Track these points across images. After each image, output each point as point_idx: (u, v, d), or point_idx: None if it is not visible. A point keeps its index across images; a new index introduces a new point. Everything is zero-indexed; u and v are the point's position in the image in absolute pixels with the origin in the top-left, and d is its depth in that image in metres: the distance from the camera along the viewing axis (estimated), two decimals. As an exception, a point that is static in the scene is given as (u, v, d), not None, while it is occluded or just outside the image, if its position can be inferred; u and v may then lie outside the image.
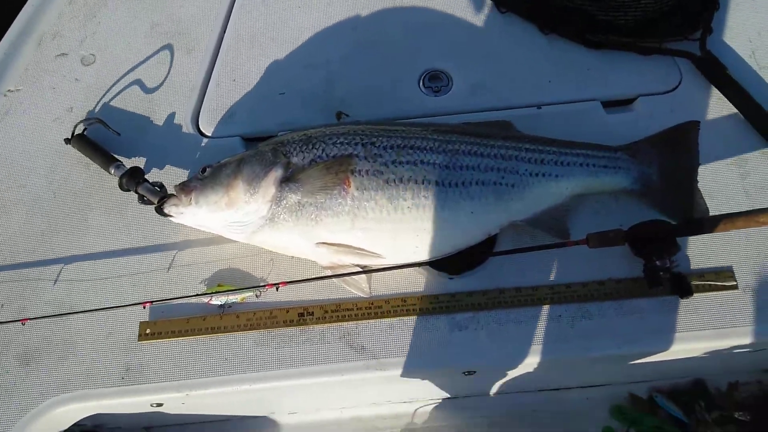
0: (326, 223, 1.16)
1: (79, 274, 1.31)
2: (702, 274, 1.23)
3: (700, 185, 1.29)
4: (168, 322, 1.24)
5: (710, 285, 1.22)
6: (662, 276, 1.18)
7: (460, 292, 1.23)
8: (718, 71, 1.41)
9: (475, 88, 1.46)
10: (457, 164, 1.20)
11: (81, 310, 1.23)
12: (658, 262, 1.16)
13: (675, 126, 1.36)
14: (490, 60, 1.50)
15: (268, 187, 1.17)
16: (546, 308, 1.22)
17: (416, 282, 1.25)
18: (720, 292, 1.21)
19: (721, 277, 1.23)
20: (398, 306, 1.23)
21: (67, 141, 1.41)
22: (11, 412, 1.19)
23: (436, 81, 1.48)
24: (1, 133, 1.49)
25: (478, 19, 1.56)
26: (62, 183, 1.41)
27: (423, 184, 1.17)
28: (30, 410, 1.19)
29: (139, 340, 1.23)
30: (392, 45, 1.54)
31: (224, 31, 1.59)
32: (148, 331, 1.24)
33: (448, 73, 1.49)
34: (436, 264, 1.23)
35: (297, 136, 1.24)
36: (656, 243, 1.18)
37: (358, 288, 1.23)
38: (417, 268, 1.23)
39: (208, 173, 1.24)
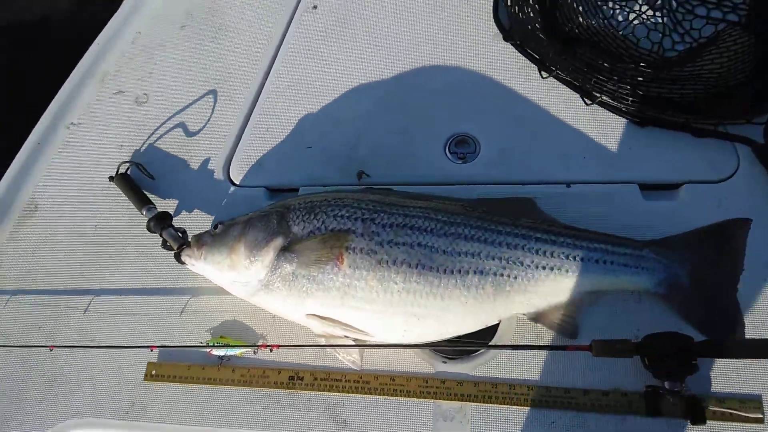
0: (317, 297, 1.16)
1: (107, 307, 1.41)
2: (723, 399, 1.10)
3: (740, 295, 1.15)
4: (172, 366, 1.30)
5: (731, 413, 1.09)
6: (669, 401, 1.07)
7: (451, 379, 1.19)
8: (781, 163, 1.24)
9: (503, 158, 1.39)
10: (456, 250, 1.15)
11: (99, 345, 1.33)
12: (666, 384, 1.06)
13: (721, 222, 1.23)
14: (523, 129, 1.42)
15: (268, 255, 1.19)
16: (539, 412, 1.15)
17: (408, 360, 1.23)
18: (742, 424, 1.08)
19: (745, 407, 1.09)
20: (386, 384, 1.21)
21: (111, 179, 1.52)
22: (32, 428, 1.31)
23: (463, 146, 1.43)
24: (59, 164, 1.63)
25: (518, 84, 1.48)
26: (104, 219, 1.52)
27: (416, 268, 1.14)
28: (49, 428, 1.31)
29: (144, 380, 1.30)
30: (423, 104, 1.51)
31: (265, 80, 1.64)
32: (154, 372, 1.31)
33: (477, 140, 1.43)
34: (432, 343, 1.20)
35: (302, 202, 1.25)
36: (670, 360, 1.07)
37: (350, 359, 1.22)
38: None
39: (220, 230, 1.28)
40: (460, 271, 1.14)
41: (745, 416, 1.09)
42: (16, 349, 1.37)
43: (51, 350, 1.35)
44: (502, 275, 1.15)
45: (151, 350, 1.30)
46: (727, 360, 1.12)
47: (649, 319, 1.18)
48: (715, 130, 1.29)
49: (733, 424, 1.08)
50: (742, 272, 1.16)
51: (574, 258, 1.16)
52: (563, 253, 1.16)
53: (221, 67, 1.70)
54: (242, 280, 1.22)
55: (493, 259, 1.15)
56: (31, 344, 1.37)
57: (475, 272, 1.15)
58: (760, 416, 1.08)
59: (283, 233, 1.20)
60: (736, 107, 1.30)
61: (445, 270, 1.14)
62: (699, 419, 1.07)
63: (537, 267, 1.16)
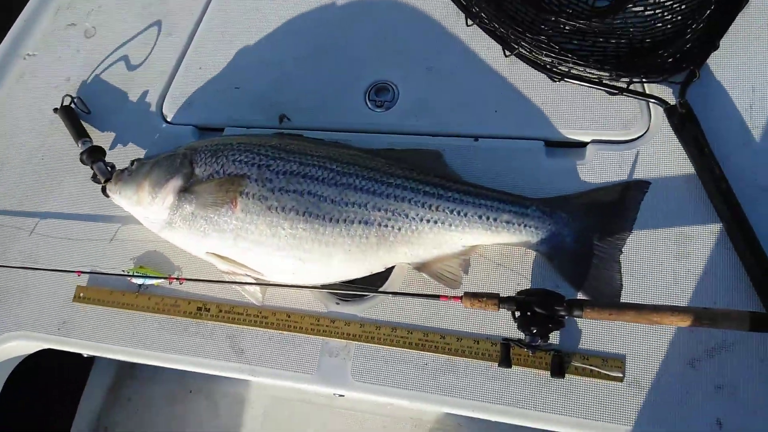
0: (213, 237, 1.23)
1: (49, 230, 1.52)
2: (587, 356, 1.14)
3: (624, 257, 1.16)
4: (97, 290, 1.42)
5: (592, 370, 1.13)
6: (527, 353, 1.12)
7: (340, 320, 1.27)
8: (689, 127, 1.21)
9: (419, 108, 1.39)
10: (344, 200, 1.19)
11: (33, 267, 1.45)
12: (526, 338, 1.10)
13: (619, 183, 1.24)
14: (442, 79, 1.40)
15: (168, 194, 1.26)
16: (415, 353, 1.22)
17: (305, 299, 1.30)
18: (601, 381, 1.13)
19: (607, 365, 1.13)
20: (282, 320, 1.30)
21: (55, 110, 1.59)
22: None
23: (383, 93, 1.43)
24: (13, 94, 1.71)
25: (443, 32, 1.45)
26: (50, 147, 1.61)
27: (303, 215, 1.19)
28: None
29: (73, 301, 1.43)
30: (351, 50, 1.49)
31: (202, 18, 1.64)
32: (81, 294, 1.43)
33: (397, 87, 1.42)
34: (327, 285, 1.27)
35: (209, 145, 1.30)
36: (537, 316, 1.11)
37: (252, 295, 1.31)
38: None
39: (134, 167, 1.35)
40: (345, 221, 1.19)
41: (605, 374, 1.13)
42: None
43: (-5, 269, 1.49)
44: (386, 226, 1.19)
45: (78, 275, 1.41)
46: (597, 321, 1.15)
47: (534, 274, 1.22)
48: (629, 89, 1.24)
49: (592, 380, 1.13)
50: (629, 234, 1.17)
51: (458, 213, 1.18)
52: (448, 207, 1.18)
53: (163, 3, 1.71)
54: (150, 216, 1.30)
55: (379, 210, 1.19)
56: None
57: (360, 222, 1.19)
58: (620, 375, 1.12)
59: (184, 174, 1.26)
60: (656, 63, 1.25)
61: (330, 219, 1.19)
62: (558, 373, 1.12)
63: (421, 220, 1.19)
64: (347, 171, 1.22)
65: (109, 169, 1.45)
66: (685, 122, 1.21)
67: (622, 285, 1.16)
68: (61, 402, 1.98)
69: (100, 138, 1.54)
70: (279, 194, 1.20)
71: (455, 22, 1.45)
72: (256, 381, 1.81)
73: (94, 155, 1.46)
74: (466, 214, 1.18)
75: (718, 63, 1.26)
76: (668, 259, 1.17)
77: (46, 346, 1.44)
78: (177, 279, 1.34)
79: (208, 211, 1.22)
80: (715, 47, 1.23)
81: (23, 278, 1.48)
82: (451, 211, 1.18)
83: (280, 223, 1.19)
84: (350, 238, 1.19)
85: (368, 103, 1.43)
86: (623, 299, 1.16)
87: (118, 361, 2.01)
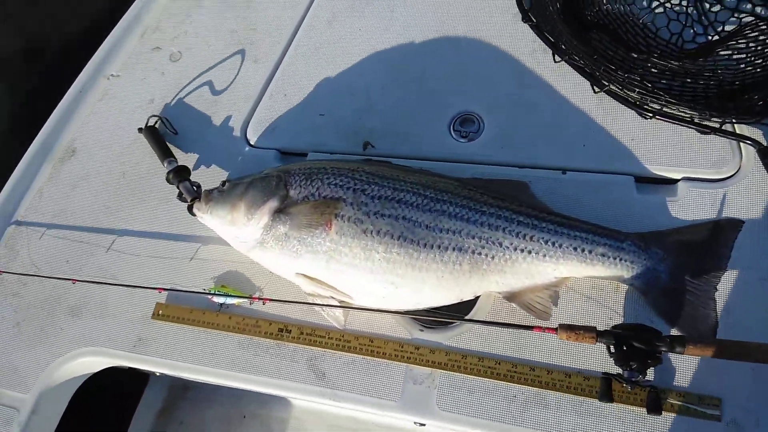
0: (305, 258, 1.25)
1: (127, 247, 1.55)
2: (684, 393, 1.12)
3: (719, 295, 1.16)
4: (177, 308, 1.43)
5: (688, 408, 1.11)
6: (627, 389, 1.11)
7: (425, 347, 1.26)
8: (784, 168, 1.21)
9: (505, 139, 1.42)
10: (438, 226, 1.20)
11: (114, 282, 1.47)
12: (625, 374, 1.09)
13: (712, 221, 1.24)
14: (528, 112, 1.43)
15: (263, 215, 1.28)
16: (503, 385, 1.20)
17: (388, 325, 1.30)
18: (698, 419, 1.10)
19: (704, 403, 1.11)
20: (365, 344, 1.30)
21: (140, 130, 1.63)
22: (54, 351, 1.48)
23: (467, 125, 1.46)
24: (98, 112, 1.77)
25: (531, 66, 1.48)
26: (132, 166, 1.65)
27: (398, 240, 1.20)
28: (66, 353, 1.47)
29: (152, 318, 1.44)
30: (435, 80, 1.54)
31: (288, 46, 1.70)
32: (160, 312, 1.44)
33: (482, 119, 1.45)
34: (412, 311, 1.27)
35: (302, 168, 1.32)
36: (631, 350, 1.10)
37: (335, 318, 1.31)
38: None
39: (226, 188, 1.38)
40: (439, 247, 1.20)
41: (702, 411, 1.11)
42: (45, 279, 1.53)
43: (74, 283, 1.51)
44: (480, 254, 1.20)
45: (159, 292, 1.43)
46: (693, 357, 1.14)
47: (625, 308, 1.21)
48: (721, 128, 1.26)
49: (689, 418, 1.11)
50: (724, 272, 1.17)
51: (553, 244, 1.19)
52: (543, 238, 1.19)
53: (250, 30, 1.77)
54: (241, 236, 1.32)
55: (473, 238, 1.20)
56: (57, 276, 1.52)
57: (454, 249, 1.20)
58: (718, 413, 1.10)
59: (279, 196, 1.28)
60: (746, 106, 1.27)
61: (425, 244, 1.20)
62: (655, 409, 1.10)
63: (515, 249, 1.19)
64: (441, 198, 1.23)
65: (195, 188, 1.48)
66: (780, 163, 1.22)
67: (717, 323, 1.15)
68: (113, 423, 1.96)
69: (184, 159, 1.58)
70: (374, 218, 1.22)
71: (542, 57, 1.48)
72: (317, 408, 1.82)
73: (180, 174, 1.49)
74: (560, 245, 1.19)
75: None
76: (762, 298, 1.16)
77: (120, 363, 1.45)
78: (260, 299, 1.35)
79: (303, 233, 1.24)
80: (808, 89, 1.25)
81: (101, 294, 1.50)
82: (546, 242, 1.19)
83: (375, 246, 1.20)
84: (443, 264, 1.19)
85: (453, 133, 1.46)
86: (718, 337, 1.15)
87: (172, 382, 2.02)
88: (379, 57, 1.61)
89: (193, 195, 1.46)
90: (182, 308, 1.43)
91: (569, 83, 1.43)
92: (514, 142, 1.41)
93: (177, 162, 1.54)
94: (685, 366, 1.14)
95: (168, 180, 1.51)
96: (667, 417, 1.11)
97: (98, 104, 1.79)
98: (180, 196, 1.48)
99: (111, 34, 1.87)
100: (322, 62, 1.65)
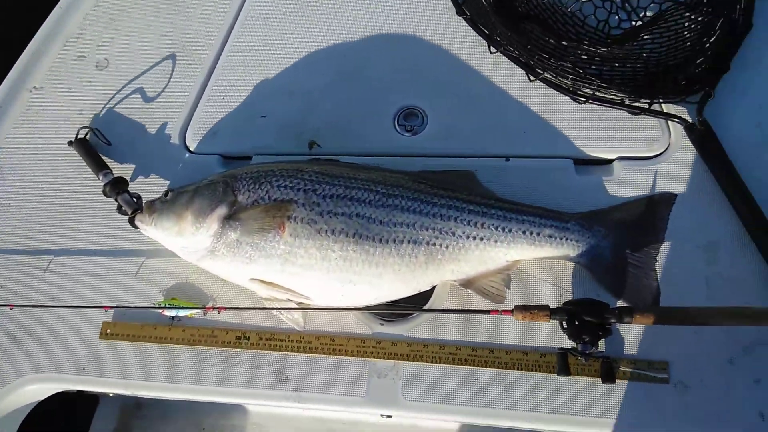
0: (259, 263, 1.23)
1: (66, 267, 1.47)
2: (634, 360, 1.19)
3: (659, 266, 1.23)
4: (126, 325, 1.37)
5: (639, 374, 1.18)
6: (581, 361, 1.16)
7: (386, 340, 1.27)
8: (709, 142, 1.30)
9: (449, 131, 1.44)
10: (392, 221, 1.21)
11: (56, 304, 1.40)
12: (579, 347, 1.14)
13: (647, 196, 1.31)
14: (469, 103, 1.46)
15: (212, 223, 1.25)
16: (465, 369, 1.23)
17: (348, 322, 1.30)
18: (649, 384, 1.17)
19: (653, 368, 1.18)
20: (326, 344, 1.29)
21: (70, 143, 1.56)
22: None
23: (411, 119, 1.47)
24: (22, 127, 1.67)
25: (468, 58, 1.52)
26: (64, 182, 1.57)
27: (353, 237, 1.20)
28: (9, 383, 1.38)
29: (100, 338, 1.38)
30: (376, 76, 1.54)
31: (223, 48, 1.66)
32: (108, 331, 1.38)
33: (425, 112, 1.47)
34: (372, 306, 1.27)
35: (249, 172, 1.30)
36: (584, 324, 1.15)
37: (294, 321, 1.30)
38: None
39: (170, 197, 1.33)
40: (395, 241, 1.21)
41: (652, 376, 1.18)
42: (-22, 307, 1.43)
43: (11, 309, 1.42)
44: (434, 245, 1.22)
45: (105, 310, 1.37)
46: (639, 326, 1.20)
47: (574, 285, 1.27)
48: (650, 108, 1.33)
49: (641, 383, 1.17)
50: (662, 244, 1.24)
51: (503, 229, 1.22)
52: (493, 224, 1.22)
53: (181, 34, 1.72)
54: (189, 246, 1.28)
55: (427, 230, 1.22)
56: (-10, 302, 1.43)
57: (409, 242, 1.21)
58: (666, 377, 1.17)
59: (227, 202, 1.26)
60: (671, 86, 1.35)
61: (380, 239, 1.21)
62: (609, 378, 1.15)
63: (468, 237, 1.22)
64: (393, 192, 1.24)
65: (135, 200, 1.42)
66: (704, 137, 1.30)
67: (659, 291, 1.22)
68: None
69: (121, 170, 1.52)
70: (328, 217, 1.21)
71: (480, 49, 1.52)
72: (279, 412, 1.79)
73: (118, 187, 1.43)
74: (510, 230, 1.22)
75: (731, 83, 1.36)
76: (699, 266, 1.24)
77: (69, 387, 1.38)
78: (214, 308, 1.31)
79: (255, 238, 1.22)
80: (727, 69, 1.34)
81: (42, 318, 1.42)
82: (496, 228, 1.22)
83: (330, 245, 1.20)
84: (400, 257, 1.21)
85: (398, 128, 1.47)
86: (661, 305, 1.22)
87: (123, 401, 1.93)
88: (318, 55, 1.60)
89: (134, 207, 1.40)
90: (132, 325, 1.37)
91: (507, 73, 1.48)
92: (458, 133, 1.44)
93: (113, 174, 1.47)
94: (633, 335, 1.20)
95: (105, 193, 1.45)
96: (621, 384, 1.17)
97: (22, 119, 1.68)
98: (120, 209, 1.42)
99: (30, 45, 1.77)
100: (260, 63, 1.62)
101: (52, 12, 1.81)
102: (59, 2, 1.83)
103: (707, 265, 1.23)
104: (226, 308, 1.31)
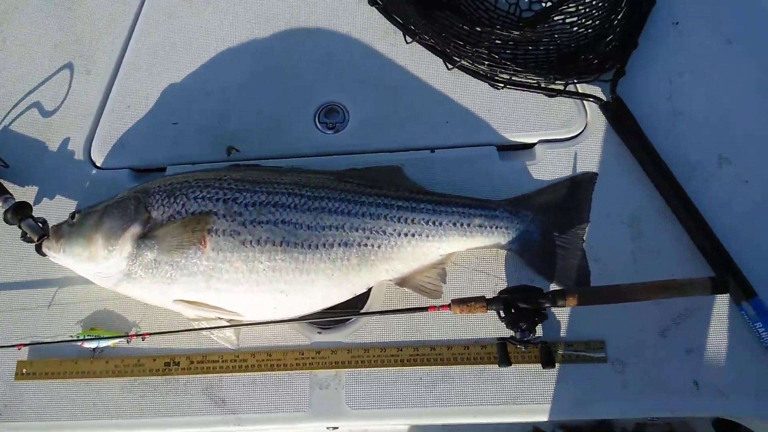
0: (181, 282, 1.15)
1: (-32, 305, 1.34)
2: (571, 343, 1.20)
3: (587, 245, 1.24)
4: (43, 362, 1.27)
5: (578, 355, 1.19)
6: (521, 349, 1.16)
7: (326, 349, 1.23)
8: (623, 119, 1.32)
9: (371, 126, 1.40)
10: (320, 224, 1.17)
11: (-41, 347, 1.27)
12: (517, 335, 1.14)
13: (569, 177, 1.33)
14: (389, 95, 1.43)
15: (125, 244, 1.16)
16: (408, 369, 1.21)
17: (285, 334, 1.25)
18: (588, 364, 1.19)
19: (590, 348, 1.20)
20: (263, 360, 1.24)
21: (-40, 170, 1.41)
22: None
23: (332, 116, 1.42)
24: None
25: (384, 49, 1.47)
26: (-45, 211, 1.42)
27: (281, 246, 1.15)
28: None
29: (16, 379, 1.26)
30: (292, 73, 1.47)
31: (124, 51, 1.54)
32: (24, 370, 1.27)
33: (346, 108, 1.42)
34: (307, 315, 1.22)
35: (162, 185, 1.22)
36: (519, 312, 1.14)
37: (226, 339, 1.23)
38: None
39: (77, 220, 1.23)
40: (324, 245, 1.16)
41: (590, 356, 1.19)
42: None
43: None
44: (366, 245, 1.18)
45: (19, 348, 1.25)
46: (574, 308, 1.21)
47: (508, 273, 1.26)
48: (566, 90, 1.34)
49: (580, 365, 1.19)
50: (588, 223, 1.26)
51: (434, 223, 1.20)
52: (423, 219, 1.20)
53: (76, 39, 1.57)
54: (103, 270, 1.19)
55: (357, 230, 1.18)
56: None
57: (339, 245, 1.17)
58: (603, 356, 1.19)
59: (141, 219, 1.17)
60: (584, 66, 1.36)
61: (309, 245, 1.16)
62: (549, 363, 1.16)
63: (399, 234, 1.19)
64: (319, 195, 1.19)
65: (41, 225, 1.31)
66: (619, 115, 1.33)
67: (589, 271, 1.24)
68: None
69: (22, 194, 1.39)
70: (252, 227, 1.15)
71: (395, 39, 1.48)
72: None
73: (20, 212, 1.31)
74: (441, 223, 1.21)
75: (640, 59, 1.39)
76: (625, 241, 1.26)
77: (-15, 435, 1.26)
78: (138, 335, 1.23)
79: (174, 256, 1.14)
80: (635, 45, 1.36)
81: (-55, 363, 1.29)
82: (427, 222, 1.20)
83: (257, 257, 1.14)
84: (331, 262, 1.16)
85: (319, 126, 1.41)
86: (592, 284, 1.23)
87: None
88: (227, 56, 1.51)
89: (40, 233, 1.29)
90: (50, 362, 1.27)
91: (424, 62, 1.45)
92: (381, 128, 1.40)
93: (14, 198, 1.34)
94: (569, 317, 1.22)
95: (6, 220, 1.32)
96: (561, 368, 1.19)
97: None
98: (24, 237, 1.30)
99: None
100: (166, 66, 1.51)
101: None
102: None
103: (632, 240, 1.26)
104: (151, 334, 1.22)
